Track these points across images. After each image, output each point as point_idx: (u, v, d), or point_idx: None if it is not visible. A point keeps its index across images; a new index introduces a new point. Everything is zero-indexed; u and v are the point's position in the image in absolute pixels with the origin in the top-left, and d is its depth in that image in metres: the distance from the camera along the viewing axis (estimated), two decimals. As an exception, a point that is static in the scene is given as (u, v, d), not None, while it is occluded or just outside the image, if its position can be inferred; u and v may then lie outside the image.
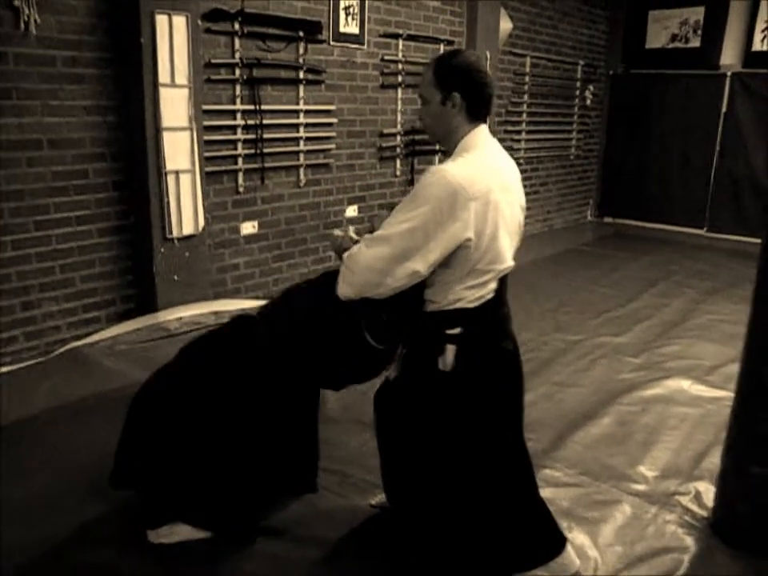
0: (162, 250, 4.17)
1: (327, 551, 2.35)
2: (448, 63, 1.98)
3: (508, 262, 1.99)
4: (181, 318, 4.30)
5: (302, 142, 4.93)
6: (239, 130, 4.52)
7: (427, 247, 1.83)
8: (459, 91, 1.94)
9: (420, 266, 1.85)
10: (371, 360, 2.12)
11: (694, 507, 2.69)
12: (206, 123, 4.28)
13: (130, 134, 3.99)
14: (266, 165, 4.71)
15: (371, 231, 2.00)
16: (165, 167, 4.05)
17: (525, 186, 7.44)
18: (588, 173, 8.67)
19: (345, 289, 1.96)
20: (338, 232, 2.11)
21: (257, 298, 4.89)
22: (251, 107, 4.52)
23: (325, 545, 2.38)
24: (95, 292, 4.07)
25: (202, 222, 4.31)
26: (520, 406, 2.14)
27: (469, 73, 1.96)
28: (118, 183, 4.03)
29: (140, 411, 2.35)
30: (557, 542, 2.16)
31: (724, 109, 7.77)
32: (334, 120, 5.14)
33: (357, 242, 2.02)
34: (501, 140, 6.89)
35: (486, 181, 1.87)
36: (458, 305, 1.93)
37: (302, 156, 4.96)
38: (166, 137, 4.03)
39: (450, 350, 1.93)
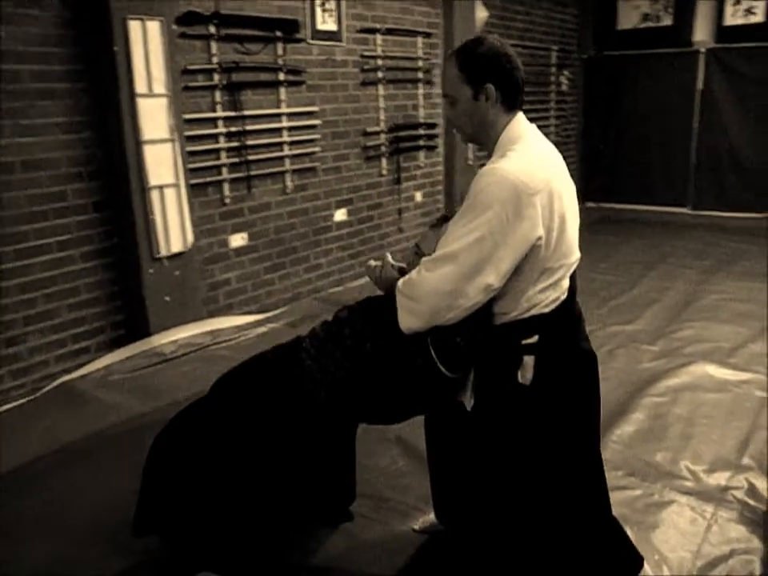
0: (151, 270, 3.93)
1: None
2: (474, 54, 1.78)
3: (576, 254, 1.82)
4: (176, 341, 4.08)
5: (286, 147, 4.72)
6: (222, 138, 4.29)
7: (497, 256, 1.63)
8: (492, 81, 1.76)
9: (493, 278, 1.65)
10: (441, 390, 1.90)
11: (751, 501, 2.55)
12: (187, 133, 4.05)
13: (108, 150, 3.74)
14: (252, 173, 4.49)
15: (418, 254, 1.82)
16: (148, 183, 3.81)
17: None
18: (568, 159, 8.43)
19: (410, 322, 1.75)
20: (373, 262, 1.93)
21: (250, 312, 4.67)
22: (232, 113, 4.30)
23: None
24: (83, 321, 3.81)
25: (190, 238, 4.08)
26: (599, 411, 1.96)
27: (498, 59, 1.77)
28: (98, 203, 3.78)
29: (165, 450, 2.13)
30: (634, 562, 1.99)
31: (700, 86, 7.72)
32: (318, 122, 4.93)
33: (401, 269, 1.85)
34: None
35: (543, 171, 1.69)
36: (533, 311, 1.74)
37: (287, 161, 4.75)
38: (147, 150, 3.79)
39: (529, 361, 1.74)
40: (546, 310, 1.74)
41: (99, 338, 3.93)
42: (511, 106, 1.81)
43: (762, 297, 4.60)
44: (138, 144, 3.75)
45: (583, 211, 7.72)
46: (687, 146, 7.90)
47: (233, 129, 4.32)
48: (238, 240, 4.53)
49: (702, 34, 7.66)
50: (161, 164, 3.86)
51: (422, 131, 5.97)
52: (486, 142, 1.84)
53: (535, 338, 1.74)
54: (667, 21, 7.80)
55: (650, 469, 2.79)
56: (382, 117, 5.52)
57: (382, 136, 5.56)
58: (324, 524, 2.41)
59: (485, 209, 1.64)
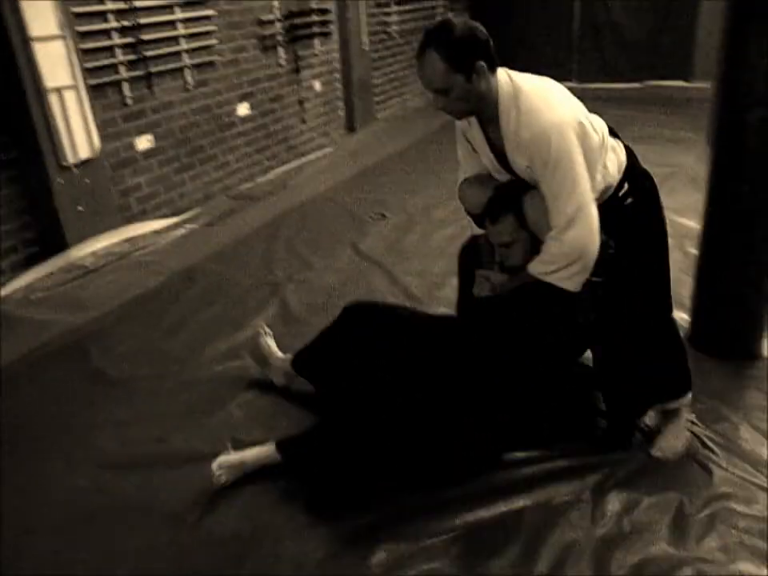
0: (60, 180, 3.74)
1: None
2: (453, 41, 1.79)
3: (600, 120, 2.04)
4: (95, 252, 3.97)
5: (183, 41, 4.48)
6: (115, 35, 4.02)
7: (586, 175, 1.88)
8: (479, 57, 1.82)
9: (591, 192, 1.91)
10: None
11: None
12: (79, 29, 3.77)
13: (-7, 52, 3.44)
14: (150, 70, 4.26)
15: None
16: (44, 85, 3.56)
17: (401, 61, 7.30)
18: (456, 40, 8.54)
19: (580, 279, 1.95)
20: (481, 274, 2.12)
21: (165, 216, 4.57)
22: (123, 6, 4.02)
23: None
24: (-8, 241, 3.62)
25: (97, 144, 3.89)
26: None
27: (474, 34, 1.83)
28: (-8, 112, 3.52)
29: (363, 324, 2.38)
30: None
31: (580, -41, 7.84)
32: (212, 12, 4.69)
33: (501, 268, 2.11)
34: (372, 15, 6.66)
35: (560, 91, 1.93)
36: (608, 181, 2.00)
37: (185, 56, 4.53)
38: (38, 48, 3.52)
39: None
40: (617, 176, 2.01)
41: (12, 257, 3.75)
42: (494, 66, 1.88)
43: (653, 157, 4.97)
44: (26, 42, 3.47)
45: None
46: (570, 21, 8.08)
47: (125, 23, 4.04)
48: (144, 142, 4.35)
49: None
50: (55, 64, 3.61)
51: (315, 17, 5.79)
52: (485, 109, 1.92)
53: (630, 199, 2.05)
54: None
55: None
56: (276, 4, 5.30)
57: (277, 24, 5.37)
58: None
59: (566, 159, 1.83)
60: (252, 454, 2.12)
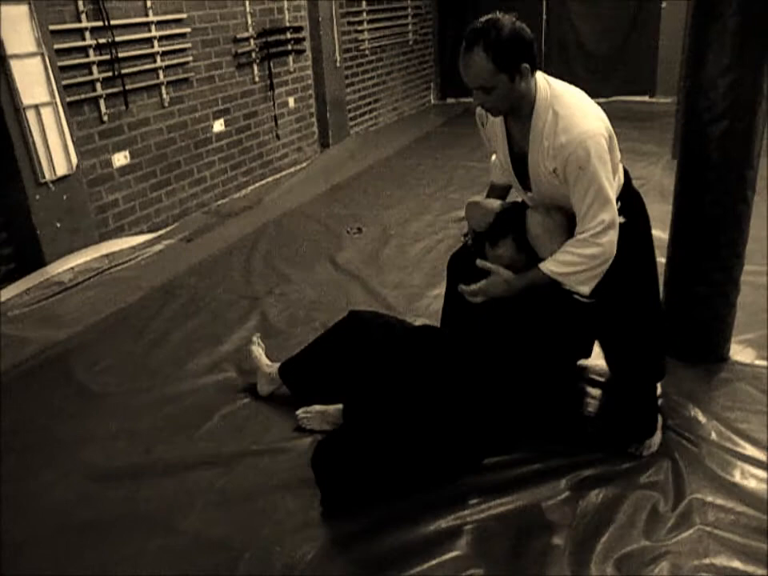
0: (38, 197, 3.75)
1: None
2: (501, 41, 1.82)
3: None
4: (73, 269, 3.96)
5: (159, 58, 4.52)
6: (91, 52, 4.05)
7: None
8: (525, 60, 1.87)
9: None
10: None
11: None
12: (56, 46, 3.79)
13: (-31, 70, 3.46)
14: (127, 87, 4.28)
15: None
16: (21, 102, 3.58)
17: (374, 78, 7.39)
18: (426, 57, 8.69)
19: (594, 282, 2.00)
20: (501, 271, 2.08)
21: (142, 232, 4.58)
22: (99, 24, 4.05)
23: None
24: (-31, 258, 3.61)
25: (74, 160, 3.90)
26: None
27: (522, 37, 1.86)
28: (-32, 129, 3.52)
29: (352, 339, 2.42)
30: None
31: (545, -21, 8.05)
32: (187, 29, 4.74)
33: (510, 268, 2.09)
34: (345, 32, 6.74)
35: (592, 105, 1.97)
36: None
37: (161, 73, 4.56)
38: (15, 66, 3.53)
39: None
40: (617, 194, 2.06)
41: (-12, 275, 3.74)
42: (536, 68, 1.94)
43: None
44: (3, 59, 3.48)
45: (445, 107, 8.15)
46: (538, 38, 8.25)
47: (102, 41, 4.07)
48: (120, 159, 4.37)
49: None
50: (32, 81, 3.62)
51: (289, 35, 5.87)
52: (521, 108, 1.97)
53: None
54: None
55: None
56: (250, 22, 5.37)
57: (252, 42, 5.43)
58: None
59: (603, 168, 1.90)
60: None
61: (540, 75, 1.98)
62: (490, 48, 1.83)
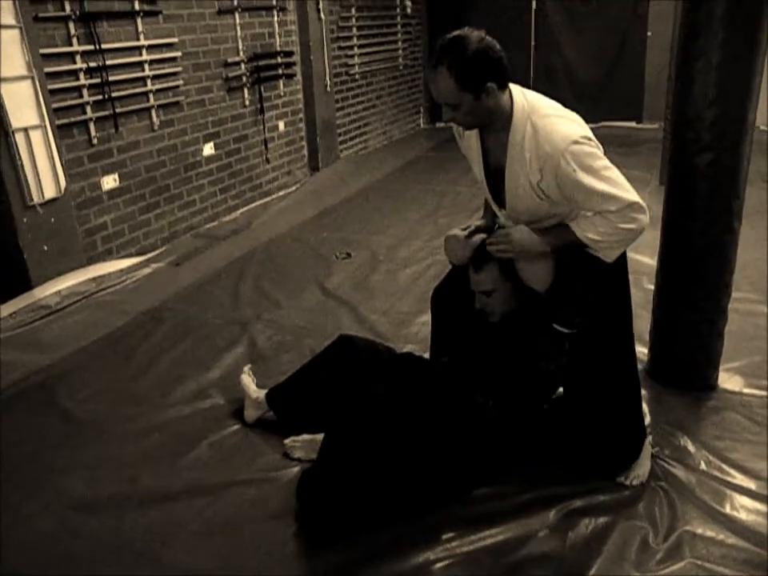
0: (25, 219, 3.73)
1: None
2: (465, 60, 1.81)
3: None
4: (59, 292, 3.93)
5: (149, 82, 4.53)
6: (82, 75, 4.05)
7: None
8: (490, 79, 1.85)
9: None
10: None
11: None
12: (47, 70, 3.79)
13: (-41, 93, 3.45)
14: (117, 110, 4.29)
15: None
16: (10, 125, 3.57)
17: (364, 102, 7.46)
18: (416, 81, 8.77)
19: (619, 251, 2.02)
20: (502, 232, 2.06)
21: (130, 255, 4.56)
22: (90, 47, 4.06)
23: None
24: (-45, 282, 3.57)
25: (63, 183, 3.89)
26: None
27: (488, 55, 1.84)
28: (-43, 152, 3.51)
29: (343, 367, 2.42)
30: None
31: (534, 6, 8.16)
32: (178, 54, 4.75)
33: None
34: (335, 57, 6.81)
35: (566, 112, 1.98)
36: None
37: (151, 96, 4.57)
38: (5, 89, 3.53)
39: None
40: None
41: (-27, 298, 3.70)
42: (505, 84, 1.93)
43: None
44: (-7, 83, 3.48)
45: (434, 132, 8.18)
46: (527, 63, 8.37)
47: (92, 64, 4.08)
48: (110, 182, 4.36)
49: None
50: (22, 104, 3.62)
51: (280, 60, 5.91)
52: (495, 122, 1.96)
53: None
54: (500, -57, 8.08)
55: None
56: (241, 46, 5.40)
57: (243, 66, 5.46)
58: None
59: (602, 159, 1.91)
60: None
61: (516, 88, 1.97)
62: (452, 67, 1.82)
